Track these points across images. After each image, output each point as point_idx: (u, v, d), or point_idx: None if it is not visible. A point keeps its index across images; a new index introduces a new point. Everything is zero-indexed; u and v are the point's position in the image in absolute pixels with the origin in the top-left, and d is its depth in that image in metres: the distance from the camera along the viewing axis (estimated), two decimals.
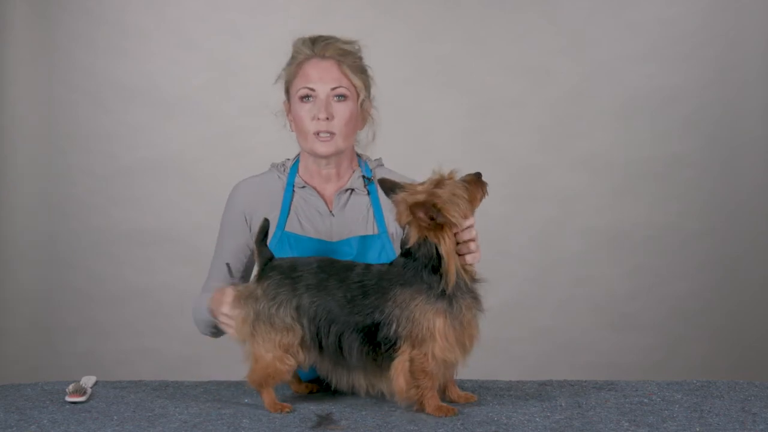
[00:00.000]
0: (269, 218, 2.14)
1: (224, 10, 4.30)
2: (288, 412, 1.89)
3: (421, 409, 1.88)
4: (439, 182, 1.89)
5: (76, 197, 4.30)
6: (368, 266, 1.93)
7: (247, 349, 1.95)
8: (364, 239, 2.22)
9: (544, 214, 4.20)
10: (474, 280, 1.91)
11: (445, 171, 1.90)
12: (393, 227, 2.26)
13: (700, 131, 4.46)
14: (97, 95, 4.28)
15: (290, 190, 2.26)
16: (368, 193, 2.29)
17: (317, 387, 2.10)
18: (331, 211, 2.26)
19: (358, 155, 2.36)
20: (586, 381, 2.19)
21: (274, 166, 2.33)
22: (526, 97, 4.41)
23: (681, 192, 4.47)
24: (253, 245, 2.16)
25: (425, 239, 1.86)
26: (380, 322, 1.86)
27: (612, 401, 1.98)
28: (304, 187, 2.27)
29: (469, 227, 1.89)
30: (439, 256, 1.85)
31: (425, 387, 1.86)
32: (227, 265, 2.19)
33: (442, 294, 1.85)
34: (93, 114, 4.29)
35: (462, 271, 1.87)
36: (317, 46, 2.22)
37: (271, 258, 1.96)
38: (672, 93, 4.43)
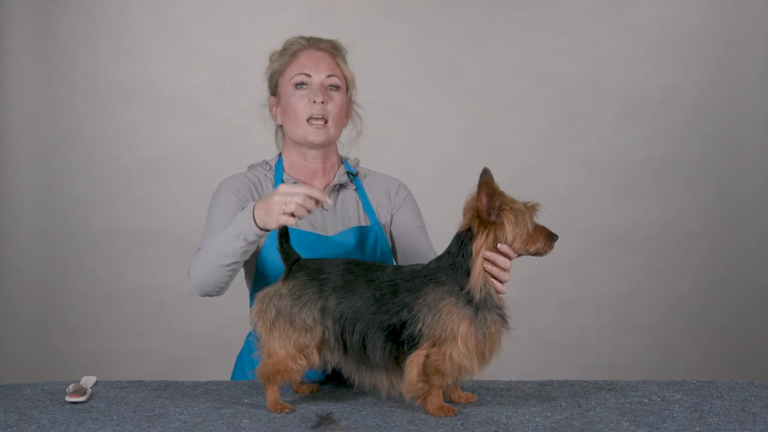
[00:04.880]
0: None
1: (224, 9, 4.31)
2: (288, 413, 1.89)
3: (423, 405, 1.89)
4: (526, 205, 1.91)
5: (76, 197, 4.30)
6: (399, 267, 1.95)
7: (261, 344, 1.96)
8: (360, 230, 2.27)
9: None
10: (501, 305, 1.92)
11: (536, 204, 1.92)
12: (383, 219, 2.33)
13: (700, 131, 4.46)
14: (97, 95, 4.28)
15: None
16: (356, 188, 2.34)
17: (317, 387, 2.10)
18: (322, 206, 2.28)
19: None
20: (586, 381, 2.19)
21: (252, 166, 2.35)
22: (526, 97, 4.41)
23: (681, 192, 4.47)
24: None
25: (468, 233, 1.87)
26: (407, 321, 1.87)
27: (612, 401, 1.99)
28: (294, 182, 2.29)
29: (508, 256, 1.89)
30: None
31: (433, 384, 1.87)
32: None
33: (472, 302, 1.86)
34: (93, 114, 4.29)
35: (491, 289, 1.88)
36: (311, 39, 2.30)
37: (298, 259, 1.97)
38: (672, 93, 4.44)
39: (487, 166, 1.95)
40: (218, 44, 4.29)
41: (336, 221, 2.27)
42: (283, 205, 1.87)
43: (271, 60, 2.33)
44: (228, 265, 2.01)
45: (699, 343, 4.49)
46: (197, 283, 2.08)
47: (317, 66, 2.24)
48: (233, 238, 1.97)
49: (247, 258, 2.04)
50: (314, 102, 2.22)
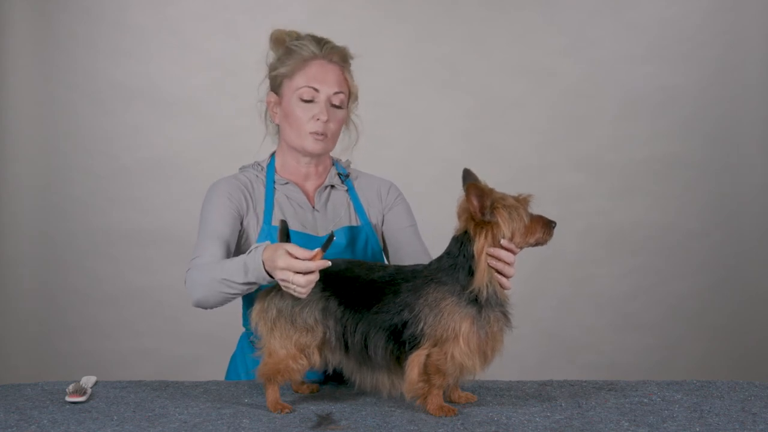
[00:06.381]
0: (255, 214, 2.20)
1: (224, 9, 4.30)
2: (288, 413, 1.89)
3: (423, 404, 1.89)
4: (518, 198, 1.90)
5: (76, 197, 4.30)
6: (400, 267, 1.95)
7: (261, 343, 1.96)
8: (351, 230, 2.27)
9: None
10: (505, 302, 1.92)
11: (527, 195, 1.91)
12: (374, 219, 2.34)
13: (700, 131, 4.46)
14: (97, 95, 4.28)
15: (271, 186, 2.28)
16: (347, 189, 2.35)
17: (317, 387, 2.10)
18: (313, 207, 2.29)
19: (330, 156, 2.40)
20: (586, 381, 2.19)
21: (244, 167, 2.35)
22: (526, 97, 4.41)
23: (681, 192, 4.47)
24: (234, 232, 2.19)
25: (466, 235, 1.87)
26: (408, 321, 1.87)
27: (612, 401, 1.99)
28: (286, 183, 2.30)
29: (511, 251, 1.89)
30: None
31: (434, 384, 1.87)
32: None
33: (474, 301, 1.86)
34: (93, 114, 4.29)
35: (497, 286, 1.88)
36: (324, 48, 2.25)
37: None
38: (672, 93, 4.44)
39: (467, 167, 1.95)
40: (218, 44, 4.29)
41: (327, 221, 2.28)
42: (289, 284, 1.86)
43: (273, 42, 2.29)
44: (233, 295, 2.02)
45: (699, 343, 4.49)
46: (197, 299, 2.07)
47: (326, 80, 2.22)
48: (242, 279, 1.95)
49: (251, 292, 2.04)
50: (318, 119, 2.21)
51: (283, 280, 1.85)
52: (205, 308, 2.10)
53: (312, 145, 2.23)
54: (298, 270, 1.82)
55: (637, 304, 4.48)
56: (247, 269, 1.93)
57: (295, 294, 1.86)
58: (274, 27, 2.36)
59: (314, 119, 2.21)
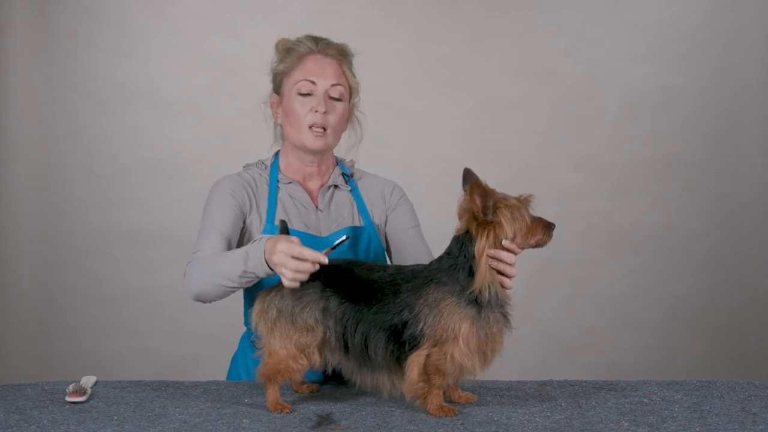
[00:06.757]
0: (258, 212, 2.20)
1: (224, 9, 4.31)
2: (288, 413, 1.89)
3: (423, 404, 1.89)
4: (519, 199, 1.90)
5: (76, 197, 4.30)
6: (401, 267, 1.96)
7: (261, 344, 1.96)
8: (354, 230, 2.28)
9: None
10: (506, 303, 1.92)
11: (528, 195, 1.91)
12: (377, 220, 2.34)
13: (700, 131, 4.46)
14: (97, 95, 4.28)
15: (275, 185, 2.29)
16: (350, 190, 2.35)
17: (317, 387, 2.10)
18: (317, 207, 2.29)
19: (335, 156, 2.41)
20: (586, 381, 2.19)
21: (248, 166, 2.35)
22: (526, 97, 4.41)
23: (681, 192, 4.47)
24: (236, 229, 2.19)
25: (467, 235, 1.87)
26: (408, 321, 1.87)
27: (612, 401, 1.99)
28: (290, 182, 2.30)
29: (512, 251, 1.89)
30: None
31: (434, 384, 1.87)
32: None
33: (473, 302, 1.86)
34: (93, 114, 4.29)
35: (498, 286, 1.88)
36: (320, 44, 2.27)
37: None
38: (672, 93, 4.44)
39: (468, 166, 1.96)
40: (218, 44, 4.29)
41: (330, 222, 2.28)
42: (280, 267, 1.87)
43: (277, 49, 2.30)
44: (232, 288, 2.02)
45: (699, 343, 4.49)
46: (195, 292, 2.07)
47: (323, 73, 2.23)
48: (241, 268, 1.96)
49: (250, 285, 2.04)
50: (316, 111, 2.22)
51: (276, 264, 1.86)
52: (204, 302, 2.10)
53: (312, 141, 2.24)
54: (294, 255, 1.83)
55: (637, 304, 4.48)
56: (248, 257, 1.93)
57: (283, 280, 1.86)
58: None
59: (312, 111, 2.22)
